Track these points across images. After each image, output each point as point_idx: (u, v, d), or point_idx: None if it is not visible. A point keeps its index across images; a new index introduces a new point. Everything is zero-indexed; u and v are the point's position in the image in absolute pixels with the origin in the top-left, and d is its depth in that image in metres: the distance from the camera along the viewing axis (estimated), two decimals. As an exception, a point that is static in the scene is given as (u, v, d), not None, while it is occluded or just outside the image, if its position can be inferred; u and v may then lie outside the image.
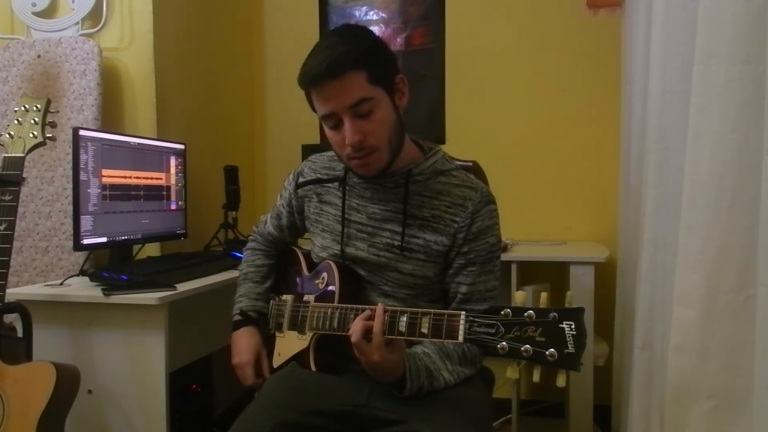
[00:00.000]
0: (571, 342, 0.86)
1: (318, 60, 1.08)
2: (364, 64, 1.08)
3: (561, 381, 0.90)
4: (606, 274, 2.15)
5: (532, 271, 2.17)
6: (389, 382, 1.08)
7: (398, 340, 1.02)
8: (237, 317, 1.35)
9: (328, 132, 1.14)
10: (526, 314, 0.89)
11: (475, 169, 1.53)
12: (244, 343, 1.31)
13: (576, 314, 0.87)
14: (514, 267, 2.02)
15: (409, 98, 1.18)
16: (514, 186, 2.45)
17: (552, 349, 0.86)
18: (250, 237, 1.50)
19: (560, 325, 0.87)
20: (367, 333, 1.02)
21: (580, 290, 1.98)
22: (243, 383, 1.29)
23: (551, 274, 2.19)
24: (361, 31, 1.16)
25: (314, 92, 1.11)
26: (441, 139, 2.56)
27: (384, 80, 1.12)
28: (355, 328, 1.02)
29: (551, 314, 0.88)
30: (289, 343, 1.24)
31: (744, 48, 1.05)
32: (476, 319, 0.92)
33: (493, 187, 1.53)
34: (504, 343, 0.89)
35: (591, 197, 2.45)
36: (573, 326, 0.86)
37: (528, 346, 0.87)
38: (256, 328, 1.33)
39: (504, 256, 2.03)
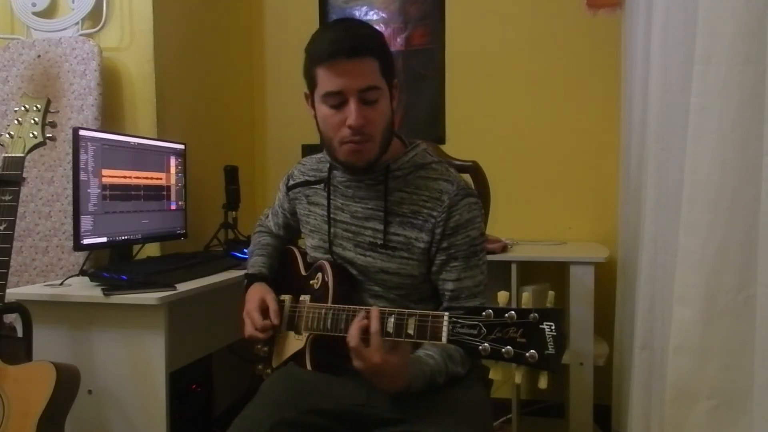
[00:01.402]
0: (551, 343, 0.85)
1: (339, 36, 1.08)
2: (380, 54, 1.10)
3: (543, 382, 0.89)
4: (606, 274, 2.15)
5: (532, 271, 2.17)
6: (392, 390, 1.04)
7: (403, 345, 1.00)
8: (247, 279, 1.34)
9: (325, 112, 1.11)
10: (507, 315, 0.88)
11: (475, 169, 1.53)
12: (249, 295, 1.28)
13: (555, 315, 0.87)
14: (514, 267, 2.02)
15: (398, 102, 1.19)
16: (514, 186, 2.45)
17: (532, 351, 0.85)
18: (258, 222, 1.52)
19: (540, 326, 0.86)
20: (364, 335, 1.00)
21: (580, 290, 1.98)
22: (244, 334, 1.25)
23: (551, 274, 2.19)
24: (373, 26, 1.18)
25: (325, 67, 1.09)
26: (441, 139, 2.56)
27: (389, 77, 1.13)
28: (352, 332, 1.00)
29: (531, 315, 0.87)
30: (287, 343, 1.25)
31: (744, 48, 1.04)
32: (459, 320, 0.92)
33: (493, 187, 1.54)
34: (486, 344, 0.88)
35: (591, 197, 2.45)
36: (553, 327, 0.85)
37: (509, 347, 0.87)
38: (265, 283, 1.31)
39: (504, 256, 2.04)
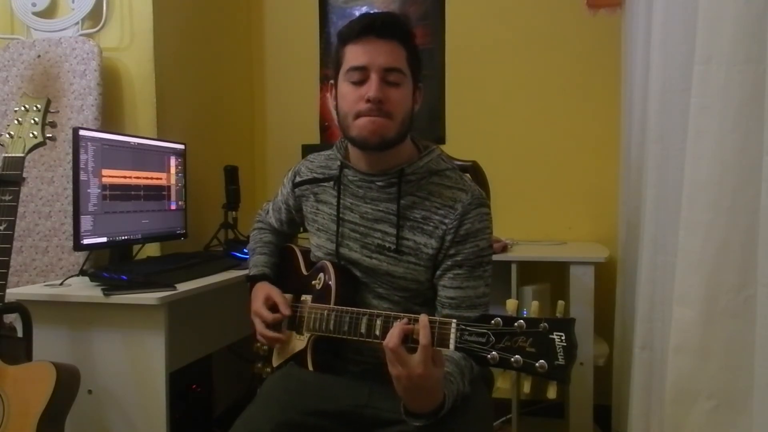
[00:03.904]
0: (561, 353, 0.84)
1: (372, 17, 1.12)
2: (408, 44, 1.13)
3: (552, 393, 0.88)
4: (606, 274, 2.15)
5: (532, 271, 2.16)
6: (426, 404, 0.97)
7: (440, 355, 0.95)
8: (249, 281, 1.34)
9: (346, 88, 1.12)
10: (516, 324, 0.87)
11: (475, 169, 1.53)
12: (254, 295, 1.28)
13: (566, 325, 0.85)
14: (514, 267, 2.02)
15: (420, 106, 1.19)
16: (514, 186, 2.45)
17: (542, 361, 0.84)
18: (257, 218, 1.51)
19: (550, 336, 0.85)
20: (406, 341, 0.94)
21: (580, 290, 1.98)
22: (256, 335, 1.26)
23: (551, 274, 2.19)
24: None
25: (354, 43, 1.11)
26: (441, 139, 2.56)
27: (414, 73, 1.15)
28: (394, 333, 0.94)
29: (541, 324, 0.86)
30: (288, 343, 1.24)
31: (744, 48, 1.05)
32: (467, 328, 0.90)
33: (493, 187, 1.54)
34: (494, 353, 0.87)
35: (591, 197, 2.45)
36: (563, 337, 0.84)
37: (518, 356, 0.86)
38: (269, 282, 1.31)
39: (504, 256, 2.04)
